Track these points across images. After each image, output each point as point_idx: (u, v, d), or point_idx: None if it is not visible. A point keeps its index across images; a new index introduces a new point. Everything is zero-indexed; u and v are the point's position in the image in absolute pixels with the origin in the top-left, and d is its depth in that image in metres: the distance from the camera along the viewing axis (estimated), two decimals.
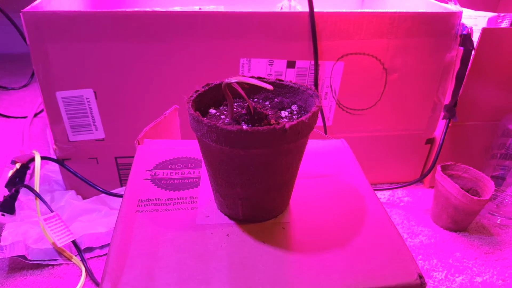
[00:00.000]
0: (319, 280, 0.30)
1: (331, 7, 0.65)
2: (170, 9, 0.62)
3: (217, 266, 0.31)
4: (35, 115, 1.05)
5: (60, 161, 0.70)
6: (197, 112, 0.31)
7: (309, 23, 0.63)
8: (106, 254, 0.63)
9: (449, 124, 0.74)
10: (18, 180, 0.69)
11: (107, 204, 0.71)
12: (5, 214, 0.65)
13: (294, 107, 0.36)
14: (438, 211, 0.71)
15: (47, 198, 0.70)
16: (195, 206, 0.37)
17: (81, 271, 0.60)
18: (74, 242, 0.62)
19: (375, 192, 0.78)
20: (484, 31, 0.66)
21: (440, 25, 0.67)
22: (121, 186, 0.75)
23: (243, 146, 0.30)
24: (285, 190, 0.36)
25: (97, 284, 0.59)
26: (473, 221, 0.73)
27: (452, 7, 0.69)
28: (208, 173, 0.35)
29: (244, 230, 0.35)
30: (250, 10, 0.62)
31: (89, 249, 0.63)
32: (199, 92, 0.35)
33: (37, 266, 0.61)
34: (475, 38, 0.67)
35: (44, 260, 0.61)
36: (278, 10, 0.81)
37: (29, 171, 0.72)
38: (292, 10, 0.81)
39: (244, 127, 0.30)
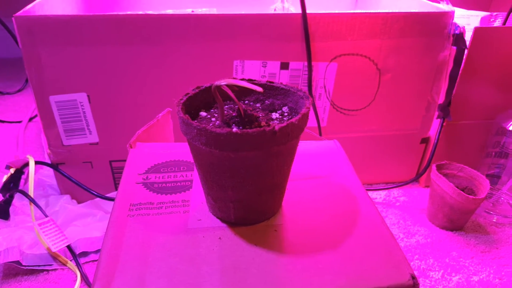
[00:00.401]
0: (312, 282, 0.30)
1: (323, 9, 0.65)
2: (163, 12, 0.61)
3: (209, 270, 0.31)
4: (30, 119, 1.04)
5: (54, 166, 0.70)
6: (187, 115, 0.31)
7: (302, 25, 0.63)
8: None
9: (444, 124, 0.74)
10: (13, 185, 0.69)
11: (102, 208, 0.71)
12: None
13: (285, 108, 0.36)
14: (434, 211, 0.71)
15: (41, 203, 0.70)
16: (187, 209, 0.37)
17: (76, 276, 0.60)
18: (69, 247, 0.62)
19: (370, 192, 0.79)
20: (477, 30, 0.66)
21: (433, 25, 0.67)
22: (116, 190, 0.75)
23: (233, 148, 0.30)
24: (277, 192, 0.35)
25: None
26: (469, 220, 0.73)
27: (444, 7, 0.70)
28: (199, 176, 0.35)
29: (236, 233, 0.34)
30: (243, 12, 0.61)
31: (84, 254, 0.63)
32: (189, 95, 0.35)
33: (32, 271, 0.60)
34: (468, 37, 0.67)
35: (39, 266, 0.60)
36: (271, 12, 0.81)
37: (23, 176, 0.71)
38: (285, 11, 0.81)
39: (234, 129, 0.30)
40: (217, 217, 0.36)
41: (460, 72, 0.69)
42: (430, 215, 0.72)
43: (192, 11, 0.80)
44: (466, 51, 0.68)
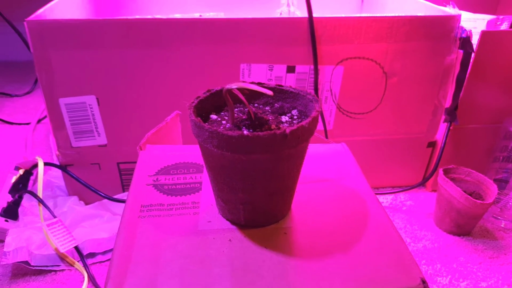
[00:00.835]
0: (321, 285, 0.30)
1: (330, 12, 0.65)
2: (171, 16, 0.62)
3: (219, 272, 0.31)
4: (38, 121, 1.05)
5: (63, 167, 0.70)
6: (199, 118, 0.32)
7: (308, 28, 0.64)
8: (108, 259, 0.63)
9: (451, 127, 0.74)
10: (22, 186, 0.69)
11: (109, 209, 0.71)
12: (8, 220, 0.65)
13: (294, 112, 0.37)
14: (441, 215, 0.71)
15: (50, 203, 0.71)
16: (197, 211, 0.37)
17: (84, 277, 0.60)
18: (76, 247, 0.63)
19: (377, 196, 0.78)
20: (484, 33, 0.66)
21: (439, 29, 0.67)
22: (123, 191, 0.75)
23: (244, 151, 0.30)
24: (287, 195, 0.36)
25: None
26: (477, 225, 0.73)
27: (450, 10, 0.70)
28: (209, 178, 0.36)
29: (246, 235, 0.35)
30: (250, 17, 0.62)
31: (92, 255, 0.64)
32: (201, 98, 0.35)
33: (40, 271, 0.61)
34: (475, 40, 0.67)
35: (47, 266, 0.61)
36: (277, 16, 0.81)
37: (32, 177, 0.72)
38: (291, 15, 0.81)
39: (245, 132, 0.30)
40: (227, 219, 0.36)
41: (467, 75, 0.69)
42: (437, 220, 0.72)
43: (200, 15, 0.80)
44: (473, 55, 0.68)
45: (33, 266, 0.60)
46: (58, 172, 0.77)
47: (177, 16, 0.65)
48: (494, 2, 1.07)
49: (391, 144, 0.77)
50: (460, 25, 0.68)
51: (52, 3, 0.69)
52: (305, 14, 0.64)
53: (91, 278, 0.60)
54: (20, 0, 1.33)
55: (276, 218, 0.36)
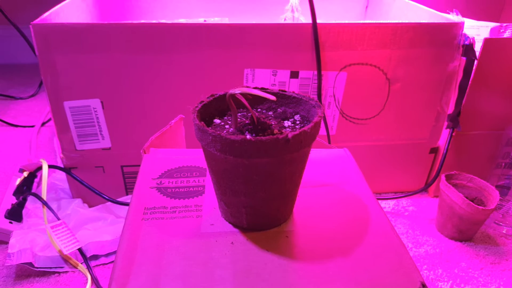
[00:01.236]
0: None
1: (334, 18, 0.66)
2: (175, 21, 0.63)
3: (221, 274, 0.32)
4: (43, 124, 1.06)
5: (67, 170, 0.71)
6: (202, 122, 0.32)
7: (312, 34, 0.64)
8: (111, 262, 0.64)
9: (453, 134, 0.74)
10: (26, 188, 0.70)
11: (113, 212, 0.72)
12: (12, 221, 0.66)
13: (297, 117, 0.37)
14: (443, 221, 0.71)
15: (54, 206, 0.71)
16: (200, 214, 0.38)
17: (87, 279, 0.60)
18: (80, 250, 0.63)
19: (379, 201, 0.79)
20: (487, 41, 0.66)
21: (442, 36, 0.67)
22: (127, 194, 0.76)
23: (247, 155, 0.31)
24: (289, 199, 0.36)
25: None
26: (479, 230, 0.73)
27: (454, 18, 0.70)
28: (212, 181, 0.36)
29: (248, 238, 0.35)
30: (254, 22, 0.63)
31: (95, 257, 0.64)
32: (204, 102, 0.36)
33: (44, 273, 0.61)
34: (478, 48, 0.68)
35: (51, 268, 0.61)
36: (282, 21, 0.82)
37: (36, 180, 0.73)
38: (295, 21, 0.82)
39: (248, 136, 0.30)
40: (230, 222, 0.37)
41: (469, 82, 0.69)
42: (439, 225, 0.72)
43: (204, 21, 0.81)
44: (475, 62, 0.68)
45: (37, 268, 0.60)
46: (62, 175, 0.78)
47: (182, 21, 0.65)
48: (498, 9, 1.07)
49: (393, 149, 0.77)
50: (463, 32, 0.68)
51: (57, 6, 0.70)
52: (309, 20, 0.64)
53: (95, 280, 0.60)
54: (26, 4, 1.35)
55: (278, 221, 0.37)
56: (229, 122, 0.36)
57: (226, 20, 0.87)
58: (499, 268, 0.65)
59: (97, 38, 0.61)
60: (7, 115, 1.11)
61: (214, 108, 0.37)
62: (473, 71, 0.69)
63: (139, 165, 0.45)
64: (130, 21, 0.62)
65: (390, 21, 0.65)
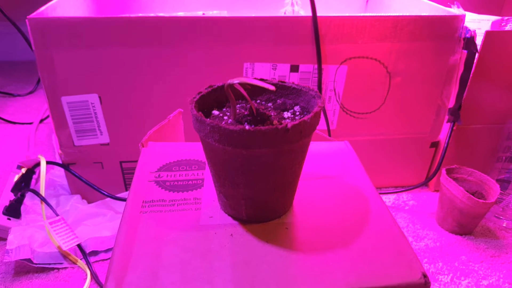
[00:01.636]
0: (323, 279, 0.30)
1: (333, 12, 0.65)
2: (174, 14, 0.62)
3: (220, 266, 0.31)
4: (41, 121, 1.06)
5: (65, 166, 0.71)
6: (200, 113, 0.32)
7: (312, 27, 0.64)
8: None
9: (454, 127, 0.74)
10: (24, 185, 0.70)
11: (112, 208, 0.71)
12: (11, 218, 0.66)
13: (296, 108, 0.37)
14: (444, 215, 0.70)
15: (52, 202, 0.71)
16: (198, 207, 0.37)
17: (86, 275, 0.60)
18: (79, 245, 0.63)
19: (380, 195, 0.78)
20: (488, 34, 0.66)
21: (443, 28, 0.67)
22: (126, 190, 0.75)
23: (246, 146, 0.30)
24: (289, 191, 0.36)
25: (101, 287, 0.59)
26: (479, 224, 0.72)
27: (455, 11, 0.70)
28: (211, 173, 0.36)
29: (247, 230, 0.35)
30: (254, 15, 0.62)
31: (94, 253, 0.64)
32: (202, 93, 0.35)
33: (43, 269, 0.61)
34: (479, 41, 0.67)
35: (50, 264, 0.61)
36: (282, 15, 0.81)
37: (34, 176, 0.72)
38: (295, 15, 0.81)
39: (247, 127, 0.30)
40: (229, 215, 0.36)
41: (470, 76, 0.69)
42: (439, 219, 0.72)
43: (203, 14, 0.81)
44: (477, 55, 0.67)
45: (36, 264, 0.60)
46: (60, 171, 0.77)
47: (180, 14, 0.65)
48: (499, 3, 1.07)
49: (394, 144, 0.77)
50: (464, 25, 0.68)
51: (54, 1, 0.69)
52: (309, 13, 0.64)
53: (94, 276, 0.60)
54: (23, 0, 1.34)
55: (278, 213, 0.36)
56: (228, 114, 0.35)
57: (225, 13, 0.87)
58: (499, 261, 0.65)
59: (94, 32, 0.60)
60: (5, 112, 1.11)
61: (213, 100, 0.36)
62: (474, 64, 0.68)
63: (137, 161, 0.45)
64: (128, 15, 0.62)
65: (391, 14, 0.65)
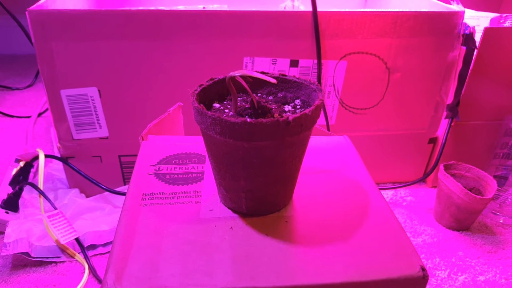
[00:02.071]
0: (322, 272, 0.30)
1: (333, 7, 0.65)
2: (174, 8, 0.62)
3: (220, 258, 0.31)
4: (39, 114, 1.05)
5: (64, 159, 0.70)
6: (201, 105, 0.32)
7: (312, 22, 0.64)
8: (109, 251, 0.63)
9: (452, 124, 0.74)
10: (22, 178, 0.69)
11: (110, 202, 0.71)
12: (8, 211, 0.65)
13: (297, 101, 0.37)
14: (441, 210, 0.71)
15: (50, 196, 0.71)
16: (198, 200, 0.37)
17: (84, 269, 0.60)
18: (77, 239, 0.63)
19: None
20: (487, 30, 0.66)
21: (443, 25, 0.67)
22: (125, 184, 0.75)
23: (247, 138, 0.30)
24: (289, 184, 0.36)
25: (100, 281, 0.59)
26: (476, 220, 0.73)
27: (454, 7, 0.70)
28: (212, 166, 0.36)
29: (247, 223, 0.35)
30: (254, 10, 0.62)
31: (92, 247, 0.64)
32: (203, 86, 0.35)
33: (41, 263, 0.61)
34: (478, 38, 0.67)
35: (48, 257, 0.61)
36: (282, 10, 0.81)
37: (33, 170, 0.72)
38: (295, 10, 0.81)
39: (248, 120, 0.30)
40: (229, 208, 0.36)
41: (469, 72, 0.69)
42: (437, 215, 0.72)
43: (204, 8, 0.80)
44: (475, 51, 0.68)
45: (34, 258, 0.60)
46: (59, 165, 0.77)
47: (181, 8, 0.64)
48: (498, 0, 1.07)
49: (392, 139, 0.77)
50: (463, 21, 0.68)
51: None
52: (309, 8, 0.64)
53: (92, 270, 0.60)
54: None
55: (278, 206, 0.36)
56: (229, 107, 0.35)
57: (225, 8, 0.87)
58: (495, 257, 0.65)
59: (94, 25, 0.60)
60: (3, 105, 1.10)
61: (214, 92, 0.36)
62: (472, 61, 0.68)
63: (136, 155, 0.45)
64: (128, 8, 0.62)
65: (391, 10, 0.65)
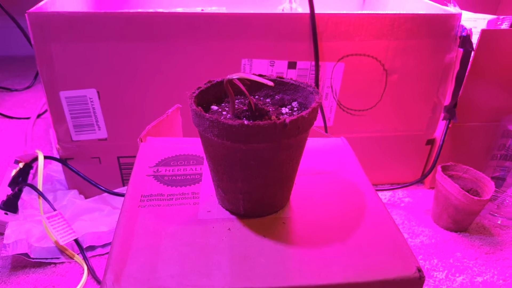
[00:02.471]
0: (319, 273, 0.31)
1: (331, 9, 0.65)
2: (173, 10, 0.62)
3: (218, 259, 0.31)
4: (38, 116, 1.06)
5: (63, 161, 0.71)
6: (199, 107, 0.32)
7: (310, 24, 0.64)
8: (108, 253, 0.64)
9: (449, 125, 0.74)
10: (21, 179, 0.70)
11: (109, 203, 0.72)
12: (8, 212, 0.66)
13: (294, 104, 0.37)
14: (439, 212, 0.71)
15: (49, 197, 0.71)
16: (196, 201, 0.38)
17: (83, 270, 0.60)
18: (76, 240, 0.63)
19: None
20: (484, 32, 0.66)
21: (440, 27, 0.67)
22: (123, 185, 0.75)
23: (244, 140, 0.31)
24: (286, 186, 0.36)
25: (98, 282, 0.59)
26: (474, 221, 0.73)
27: (451, 9, 0.70)
28: (210, 168, 0.36)
29: (245, 224, 0.35)
30: (252, 12, 0.62)
31: (91, 248, 0.64)
32: (201, 88, 0.36)
33: (40, 264, 0.61)
34: (475, 39, 0.68)
35: (47, 258, 0.61)
36: (279, 12, 0.81)
37: (32, 171, 0.72)
38: (293, 12, 0.81)
39: (246, 122, 0.30)
40: (227, 209, 0.37)
41: (466, 74, 0.70)
42: (434, 216, 0.73)
43: (202, 10, 0.81)
44: (472, 53, 0.68)
45: (33, 259, 0.60)
46: (58, 166, 0.77)
47: (179, 10, 0.65)
48: (495, 2, 1.07)
49: (390, 141, 0.77)
50: (460, 23, 0.68)
51: None
52: (307, 10, 0.64)
53: (91, 271, 0.60)
54: None
55: (275, 208, 0.37)
56: (227, 109, 0.36)
57: (223, 10, 0.87)
58: (493, 258, 0.65)
59: (93, 27, 0.60)
60: (3, 106, 1.11)
61: (212, 95, 0.37)
62: (470, 63, 0.69)
63: (135, 156, 0.45)
64: (126, 10, 0.62)
65: (388, 12, 0.65)
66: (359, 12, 0.65)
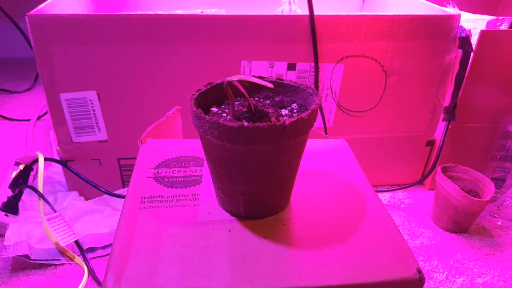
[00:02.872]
0: (319, 274, 0.31)
1: (330, 10, 0.66)
2: (172, 12, 0.63)
3: (218, 261, 0.32)
4: (38, 118, 1.06)
5: (63, 162, 0.71)
6: (199, 109, 0.32)
7: (309, 26, 0.64)
8: (108, 254, 0.64)
9: (449, 126, 0.74)
10: (22, 181, 0.70)
11: (109, 205, 0.72)
12: (8, 214, 0.66)
13: (294, 105, 0.37)
14: (439, 213, 0.71)
15: (50, 199, 0.71)
16: (197, 203, 0.38)
17: (84, 271, 0.60)
18: (76, 242, 0.63)
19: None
20: (483, 33, 0.66)
21: (439, 28, 0.68)
22: (124, 187, 0.76)
23: (244, 142, 0.31)
24: (286, 187, 0.36)
25: (99, 283, 0.59)
26: (474, 222, 0.73)
27: (450, 10, 0.70)
28: (210, 170, 0.36)
29: (245, 226, 0.35)
30: (251, 13, 0.62)
31: (92, 249, 0.64)
32: (201, 90, 0.36)
33: (40, 265, 0.61)
34: (474, 40, 0.68)
35: (47, 260, 0.61)
36: (279, 13, 0.82)
37: (32, 173, 0.72)
38: (292, 13, 0.81)
39: (245, 124, 0.30)
40: (227, 211, 0.37)
41: (466, 75, 0.70)
42: (434, 217, 0.73)
43: (201, 12, 0.81)
44: (472, 54, 0.68)
45: (33, 260, 0.60)
46: (58, 168, 0.77)
47: (179, 12, 0.65)
48: (494, 3, 1.08)
49: (390, 142, 0.78)
50: (459, 24, 0.68)
51: None
52: (306, 12, 0.64)
53: (91, 272, 0.60)
54: None
55: (275, 209, 0.37)
56: (226, 111, 0.36)
57: (223, 12, 0.87)
58: (493, 259, 0.66)
59: (93, 30, 0.61)
60: (3, 109, 1.11)
61: (212, 97, 0.37)
62: (469, 64, 0.69)
63: (135, 158, 0.45)
64: (126, 13, 0.62)
65: (387, 13, 0.66)
66: (358, 13, 0.65)
